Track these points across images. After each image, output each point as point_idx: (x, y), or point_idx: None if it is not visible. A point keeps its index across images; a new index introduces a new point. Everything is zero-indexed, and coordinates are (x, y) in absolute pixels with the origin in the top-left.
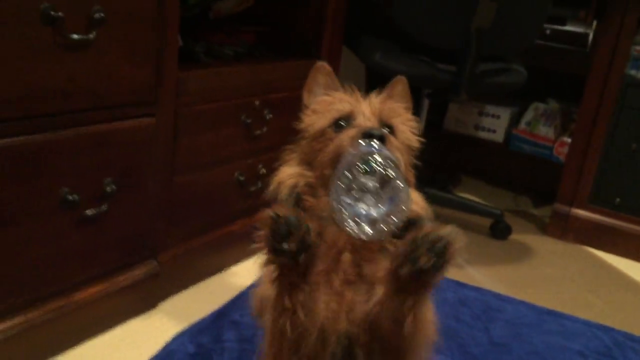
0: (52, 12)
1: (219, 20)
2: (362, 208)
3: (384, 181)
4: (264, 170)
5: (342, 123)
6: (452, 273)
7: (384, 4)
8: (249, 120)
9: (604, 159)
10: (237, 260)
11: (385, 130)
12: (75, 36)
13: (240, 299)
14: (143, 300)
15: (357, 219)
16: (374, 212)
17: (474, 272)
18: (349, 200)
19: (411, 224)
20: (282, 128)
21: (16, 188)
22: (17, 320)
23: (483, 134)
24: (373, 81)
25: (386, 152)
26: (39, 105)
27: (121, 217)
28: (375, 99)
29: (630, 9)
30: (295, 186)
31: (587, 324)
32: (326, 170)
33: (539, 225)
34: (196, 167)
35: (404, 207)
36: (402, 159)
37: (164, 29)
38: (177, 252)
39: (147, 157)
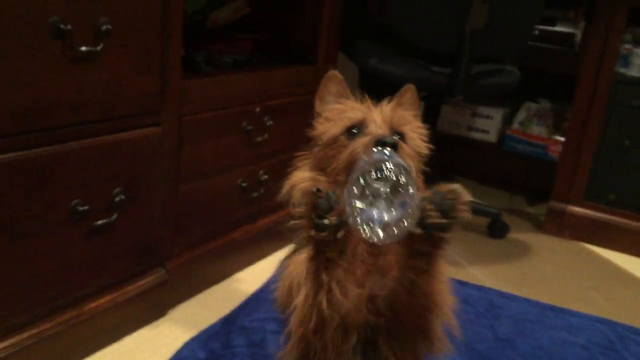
0: (62, 26)
1: (216, 29)
2: (375, 212)
3: (396, 187)
4: (265, 177)
5: (354, 130)
6: (453, 272)
7: (378, 10)
8: (249, 127)
9: (597, 156)
10: (241, 266)
11: (396, 138)
12: (83, 48)
13: (248, 305)
14: (152, 308)
15: (370, 223)
16: (386, 217)
17: (474, 271)
18: (362, 205)
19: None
20: (282, 134)
21: (27, 201)
22: (29, 332)
23: (476, 135)
24: (366, 84)
25: (398, 159)
26: (48, 118)
27: (129, 227)
28: (386, 107)
29: (618, 8)
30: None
31: (590, 318)
32: (340, 176)
33: (535, 223)
34: (200, 175)
35: (414, 212)
36: (412, 165)
37: (168, 38)
38: (183, 259)
39: (153, 166)
